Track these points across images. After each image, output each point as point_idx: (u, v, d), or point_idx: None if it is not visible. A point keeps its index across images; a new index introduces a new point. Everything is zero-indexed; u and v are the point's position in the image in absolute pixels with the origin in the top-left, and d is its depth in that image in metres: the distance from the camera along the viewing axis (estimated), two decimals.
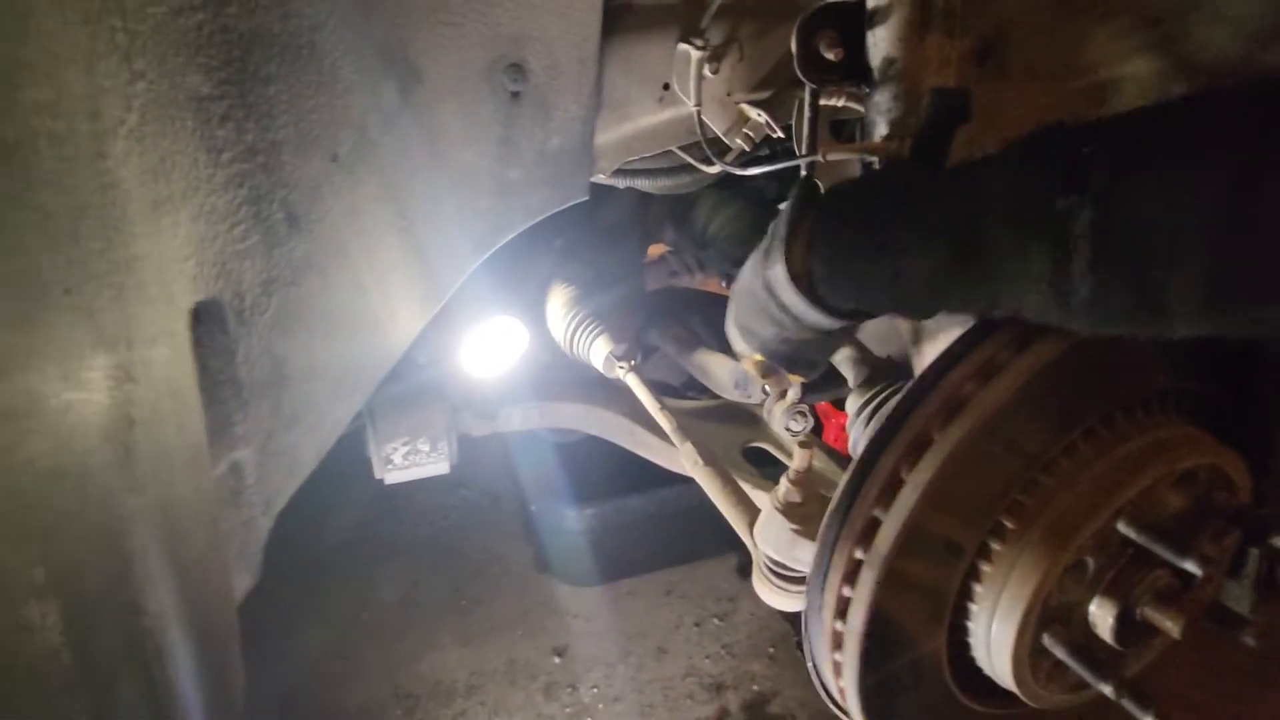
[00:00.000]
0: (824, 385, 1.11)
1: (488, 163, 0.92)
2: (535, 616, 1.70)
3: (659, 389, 1.20)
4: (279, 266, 0.67)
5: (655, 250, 1.55)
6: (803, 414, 1.00)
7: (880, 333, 1.22)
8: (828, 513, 0.62)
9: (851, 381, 0.99)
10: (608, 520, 1.65)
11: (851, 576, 0.61)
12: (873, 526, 0.60)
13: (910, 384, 0.60)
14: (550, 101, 0.92)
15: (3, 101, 0.33)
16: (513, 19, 0.84)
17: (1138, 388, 0.62)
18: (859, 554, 0.60)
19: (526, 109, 0.91)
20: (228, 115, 0.57)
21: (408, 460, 1.08)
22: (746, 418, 1.22)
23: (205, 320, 0.59)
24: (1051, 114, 1.36)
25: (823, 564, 0.63)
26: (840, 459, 1.21)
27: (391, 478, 1.11)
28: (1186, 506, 0.60)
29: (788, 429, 0.99)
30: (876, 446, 0.61)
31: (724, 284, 1.46)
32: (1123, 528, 0.58)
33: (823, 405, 1.49)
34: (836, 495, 0.61)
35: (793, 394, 0.98)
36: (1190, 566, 0.54)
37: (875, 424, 0.79)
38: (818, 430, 1.19)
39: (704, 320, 1.34)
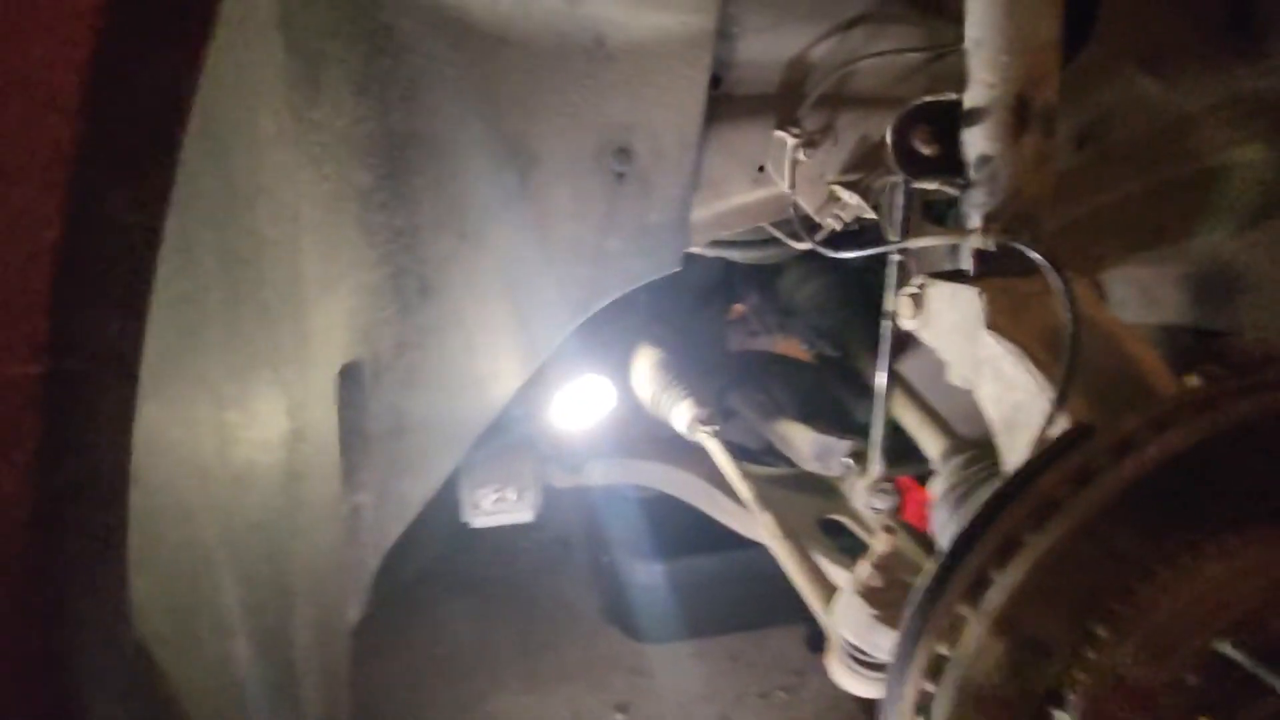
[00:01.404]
0: (905, 459, 1.11)
1: (590, 235, 0.99)
2: (600, 669, 1.72)
3: (738, 452, 1.22)
4: (409, 331, 0.75)
5: (736, 310, 1.59)
6: (886, 491, 1.00)
7: (964, 411, 1.21)
8: (911, 605, 0.63)
9: (935, 461, 0.98)
10: (678, 578, 1.66)
11: (935, 672, 0.61)
12: (958, 624, 0.60)
13: (1001, 482, 0.61)
14: (652, 181, 0.99)
15: (244, 220, 0.41)
16: (623, 109, 0.92)
17: (1251, 502, 0.60)
18: (942, 650, 0.60)
19: (630, 188, 0.98)
20: (384, 204, 0.66)
21: (495, 507, 1.14)
22: (825, 489, 1.22)
23: (348, 380, 0.67)
24: (1157, 201, 1.34)
25: (904, 657, 0.63)
26: (920, 537, 1.19)
27: (478, 522, 1.18)
28: None
29: (871, 507, 0.99)
30: (964, 542, 0.61)
31: (806, 349, 1.48)
32: (1226, 649, 0.56)
33: (903, 479, 1.47)
34: (921, 588, 0.62)
35: (875, 470, 0.99)
36: None
37: (962, 517, 0.79)
38: (896, 505, 1.18)
39: (784, 386, 1.36)
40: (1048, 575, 0.58)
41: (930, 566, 0.63)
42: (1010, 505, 0.60)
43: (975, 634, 0.60)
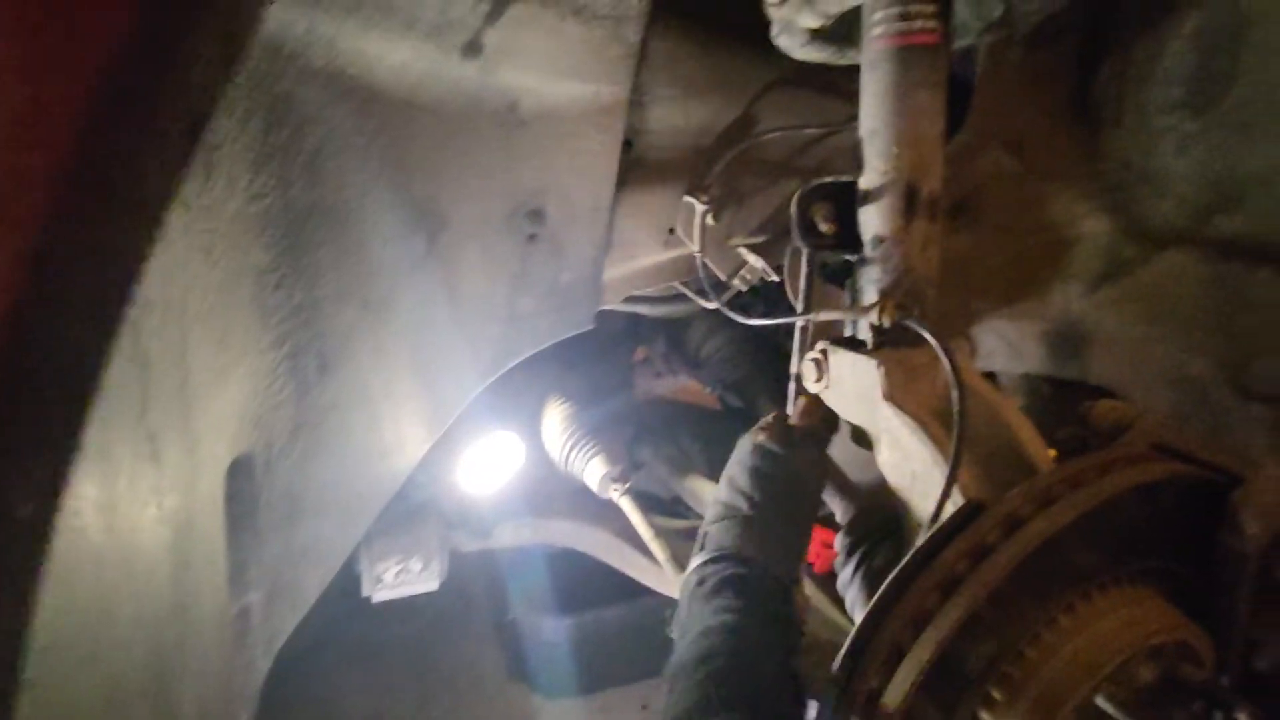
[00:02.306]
0: None
1: (501, 295, 0.97)
2: None
3: (649, 503, 1.22)
4: (306, 413, 0.69)
5: (640, 353, 1.60)
6: None
7: (858, 460, 1.27)
8: (827, 680, 0.64)
9: (839, 515, 1.02)
10: (586, 631, 1.62)
11: None
12: (873, 698, 0.62)
13: (906, 560, 0.64)
14: (564, 242, 0.98)
15: (126, 343, 0.36)
16: (536, 173, 0.91)
17: (1115, 565, 0.67)
18: None
19: (542, 248, 0.97)
20: (280, 283, 0.60)
21: (399, 579, 1.07)
22: None
23: (236, 473, 0.60)
24: (1019, 265, 1.48)
25: None
26: (820, 580, 1.23)
27: (380, 596, 1.10)
28: (1156, 679, 0.64)
29: None
30: (877, 616, 0.64)
31: (716, 397, 1.51)
32: (1101, 702, 0.61)
33: None
34: (838, 662, 0.63)
35: None
36: None
37: (865, 583, 0.82)
38: None
39: (694, 437, 1.38)
40: (953, 646, 0.62)
41: (844, 638, 0.65)
42: (917, 579, 0.64)
43: (891, 706, 0.62)
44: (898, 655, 0.62)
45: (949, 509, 0.68)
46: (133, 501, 0.39)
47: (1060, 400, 1.29)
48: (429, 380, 0.92)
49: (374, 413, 0.83)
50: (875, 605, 0.64)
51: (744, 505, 0.79)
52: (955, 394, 0.72)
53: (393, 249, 0.77)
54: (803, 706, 0.66)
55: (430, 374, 0.92)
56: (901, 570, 0.64)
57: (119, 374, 0.35)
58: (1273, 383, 1.09)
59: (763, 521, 0.78)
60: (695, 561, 0.74)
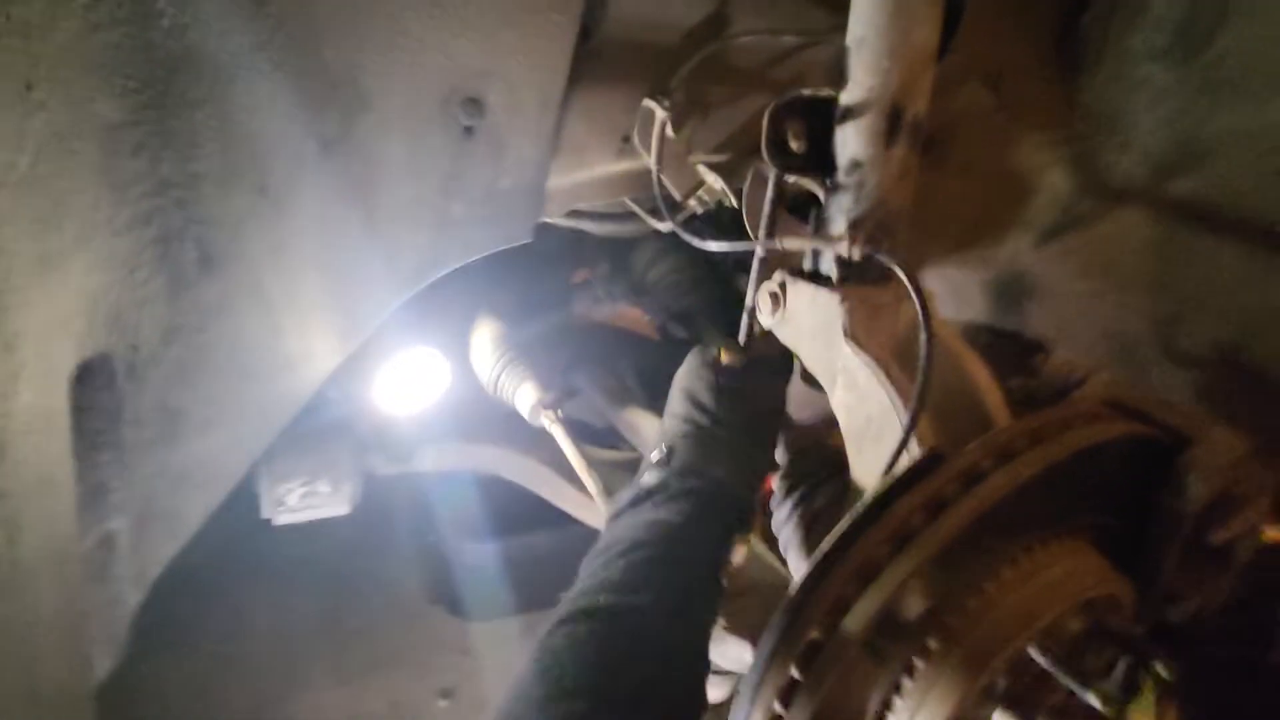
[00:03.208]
0: None
1: (430, 197, 0.85)
2: (422, 653, 1.61)
3: (580, 432, 1.16)
4: (185, 313, 0.58)
5: (580, 275, 1.51)
6: None
7: (799, 396, 1.24)
8: (769, 629, 0.62)
9: (777, 454, 0.99)
10: (511, 556, 1.59)
11: (786, 696, 0.61)
12: (813, 649, 0.59)
13: (857, 510, 0.61)
14: (505, 141, 0.87)
15: None
16: (477, 53, 0.78)
17: (1060, 519, 0.66)
18: (795, 673, 0.60)
19: (479, 146, 0.85)
20: (142, 145, 0.48)
21: (303, 502, 0.98)
22: None
23: (88, 379, 0.49)
24: (979, 209, 1.45)
25: (757, 680, 0.62)
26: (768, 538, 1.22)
27: (282, 519, 1.01)
28: (1084, 630, 0.64)
29: None
30: (823, 567, 0.61)
31: (653, 324, 1.45)
32: (1032, 652, 0.61)
33: None
34: (779, 613, 0.61)
35: None
36: (1078, 688, 0.57)
37: (803, 525, 0.80)
38: None
39: (632, 367, 1.32)
40: (900, 599, 0.60)
41: (788, 589, 0.62)
42: (868, 530, 0.61)
43: (830, 660, 0.60)
44: (841, 608, 0.59)
45: (904, 458, 0.66)
46: None
47: (998, 350, 1.30)
48: (341, 286, 0.81)
49: (274, 320, 0.72)
50: (823, 554, 0.61)
51: (706, 420, 0.76)
52: (923, 337, 0.68)
53: (297, 125, 0.65)
54: (715, 609, 0.67)
55: (342, 279, 0.81)
56: (853, 518, 0.61)
57: None
58: (1201, 346, 1.12)
59: (729, 440, 0.76)
60: (653, 473, 0.72)
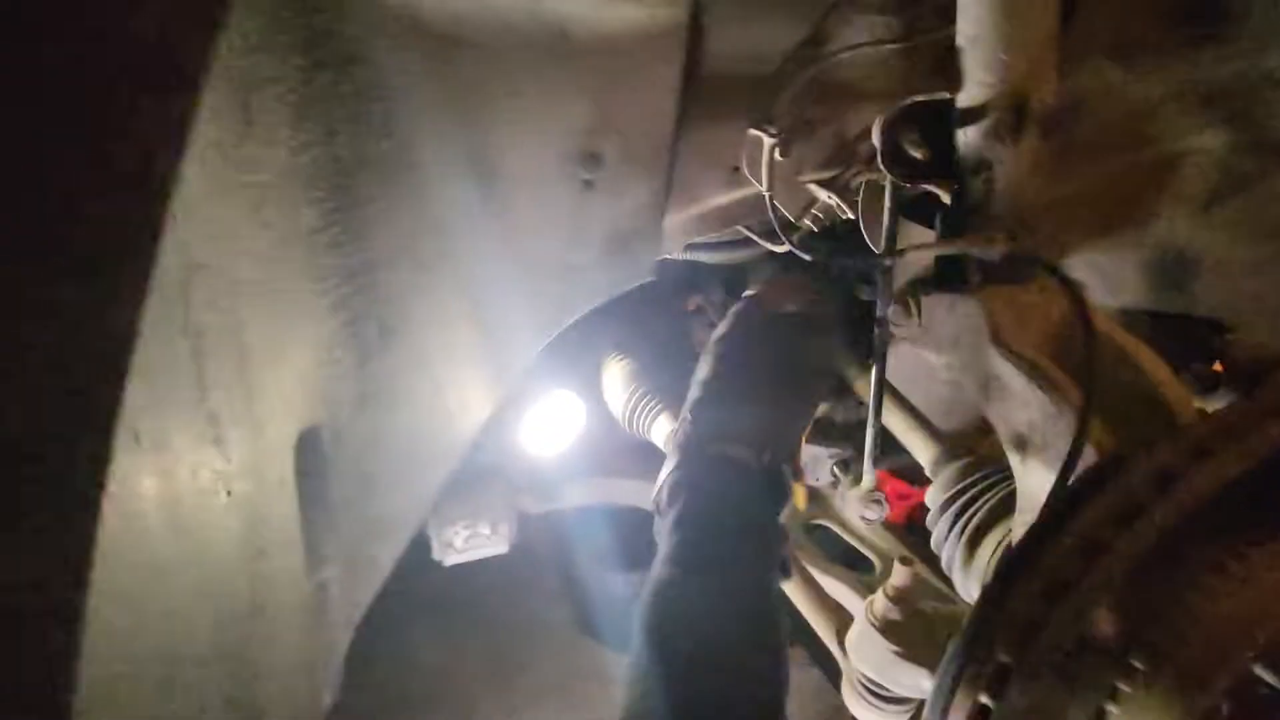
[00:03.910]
0: (883, 454, 1.09)
1: (558, 248, 0.91)
2: (578, 683, 1.66)
3: None
4: (370, 380, 0.65)
5: (692, 302, 1.54)
6: (878, 502, 0.97)
7: (944, 404, 1.19)
8: (952, 652, 0.59)
9: (928, 467, 0.96)
10: None
11: None
12: (1003, 674, 0.56)
13: (1039, 520, 0.57)
14: (623, 189, 0.91)
15: (176, 317, 0.32)
16: (590, 111, 0.83)
17: (1269, 519, 0.59)
18: (985, 700, 0.57)
19: (599, 195, 0.90)
20: (333, 243, 0.56)
21: (468, 544, 1.06)
22: (809, 493, 1.19)
23: (306, 450, 0.57)
24: (1117, 185, 1.35)
25: (943, 704, 0.60)
26: (897, 532, 1.18)
27: (451, 560, 1.09)
28: None
29: (863, 517, 0.96)
30: (1005, 585, 0.58)
31: None
32: (1260, 670, 0.55)
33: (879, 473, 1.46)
34: (963, 635, 0.58)
35: (868, 480, 0.96)
36: None
37: (968, 540, 0.76)
38: (885, 515, 1.15)
39: None
40: (1095, 616, 0.56)
41: (969, 610, 0.59)
42: (1052, 542, 0.57)
43: (1022, 684, 0.57)
44: (1031, 628, 0.56)
45: (1079, 464, 0.62)
46: (197, 493, 0.35)
47: (1168, 337, 1.19)
48: (489, 341, 0.88)
49: (436, 377, 0.79)
50: (1006, 569, 0.58)
51: (743, 381, 0.76)
52: (1082, 331, 0.64)
53: (444, 203, 0.72)
54: (779, 577, 0.66)
55: (489, 334, 0.88)
56: (1036, 529, 0.58)
57: (169, 349, 0.31)
58: None
59: (770, 398, 0.75)
60: (689, 437, 0.73)
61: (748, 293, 0.84)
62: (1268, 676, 0.55)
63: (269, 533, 0.43)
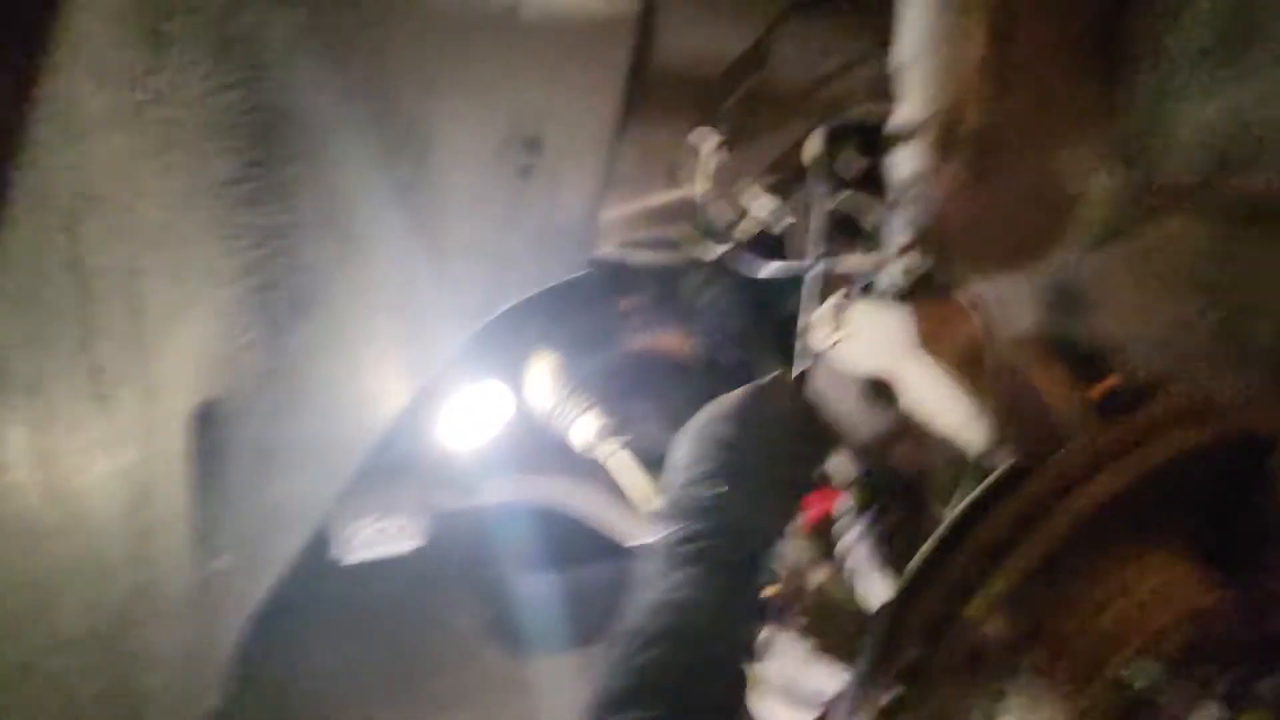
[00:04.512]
0: None
1: (491, 234, 0.88)
2: (485, 691, 1.61)
3: (638, 460, 1.16)
4: (279, 356, 0.60)
5: (623, 304, 1.53)
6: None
7: (859, 415, 1.23)
8: (866, 647, 0.61)
9: (841, 473, 0.98)
10: (568, 588, 1.58)
11: (888, 717, 0.59)
12: (913, 668, 0.59)
13: (946, 525, 0.60)
14: (561, 177, 0.89)
15: (60, 246, 0.27)
16: (534, 93, 0.81)
17: (1154, 528, 0.64)
18: (895, 692, 0.59)
19: (537, 183, 0.88)
20: (250, 199, 0.51)
21: (373, 539, 1.00)
22: None
23: (202, 424, 0.52)
24: (1025, 218, 1.45)
25: (856, 698, 0.61)
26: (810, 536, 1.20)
27: (351, 558, 1.03)
28: (1188, 643, 0.62)
29: None
30: (915, 584, 0.60)
31: (698, 352, 1.45)
32: (1136, 669, 0.59)
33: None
34: (874, 632, 0.60)
35: None
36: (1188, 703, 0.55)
37: (877, 545, 0.78)
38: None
39: (686, 393, 1.32)
40: (997, 615, 0.59)
41: (879, 605, 0.61)
42: (961, 545, 0.60)
43: (930, 678, 0.59)
44: (937, 625, 0.58)
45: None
46: (76, 453, 0.31)
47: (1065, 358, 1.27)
48: (412, 324, 0.84)
49: (353, 359, 0.74)
50: (914, 571, 0.60)
51: (732, 466, 0.71)
52: (991, 347, 0.68)
53: (376, 173, 0.68)
54: (741, 694, 0.63)
55: (414, 317, 0.84)
56: (942, 533, 0.60)
57: (49, 282, 0.26)
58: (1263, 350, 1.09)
59: (753, 489, 0.71)
60: (669, 525, 0.67)
61: (757, 383, 0.80)
62: (1137, 680, 0.59)
63: (156, 510, 0.38)
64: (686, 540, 0.65)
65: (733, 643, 0.63)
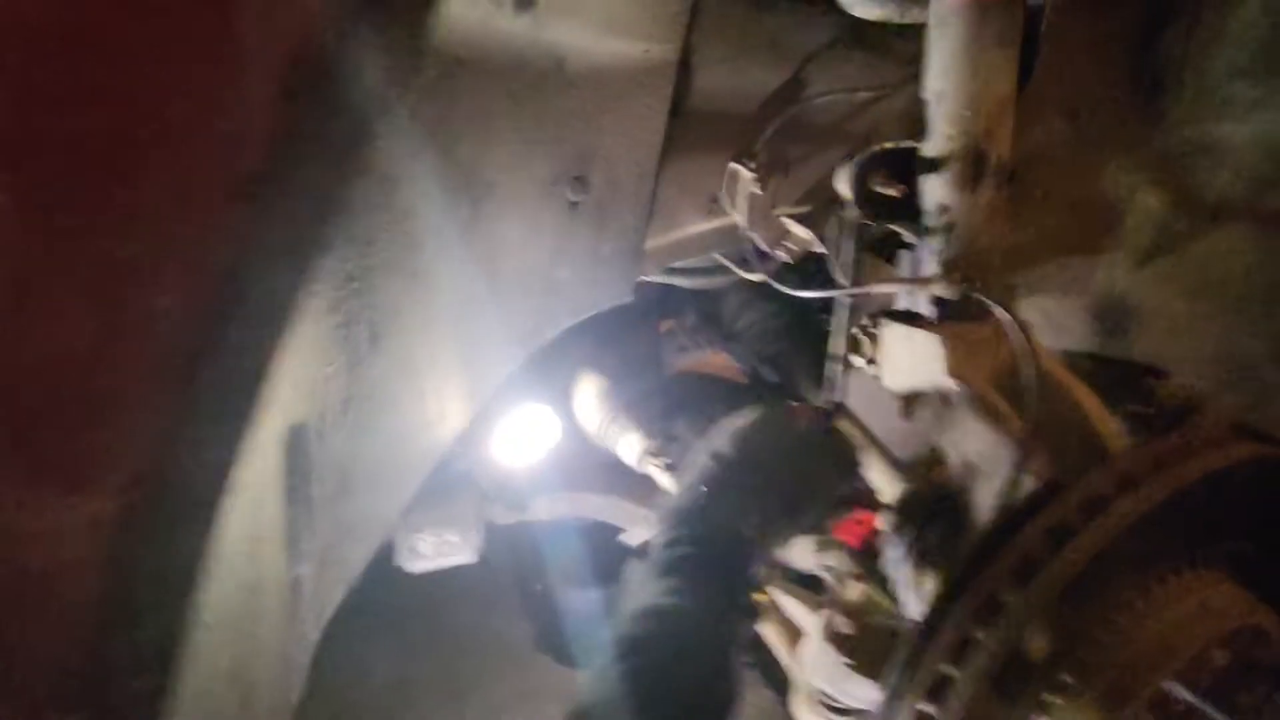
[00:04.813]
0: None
1: (540, 265, 0.94)
2: (535, 702, 1.65)
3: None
4: (357, 383, 0.67)
5: (665, 325, 1.58)
6: (836, 548, 0.98)
7: (899, 432, 1.24)
8: (895, 665, 0.63)
9: (884, 492, 1.00)
10: (615, 603, 1.62)
11: None
12: (942, 686, 0.60)
13: (977, 542, 0.62)
14: (607, 211, 0.95)
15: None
16: (581, 136, 0.87)
17: (1190, 548, 0.64)
18: (925, 709, 0.61)
19: (584, 217, 0.94)
20: (332, 246, 0.58)
21: (435, 551, 1.06)
22: None
23: (293, 446, 0.59)
24: (1065, 237, 1.44)
25: (889, 713, 0.63)
26: (856, 556, 1.21)
27: (415, 567, 1.09)
28: (1230, 664, 0.62)
29: (825, 566, 0.97)
30: (946, 600, 0.62)
31: (743, 371, 1.49)
32: (1175, 688, 0.59)
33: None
34: (903, 650, 0.62)
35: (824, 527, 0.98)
36: None
37: (918, 562, 0.80)
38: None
39: (727, 412, 1.36)
40: (1027, 634, 0.60)
41: (912, 623, 0.63)
42: (990, 564, 0.62)
43: (959, 697, 0.60)
44: (968, 644, 0.60)
45: (1020, 491, 0.66)
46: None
47: (1106, 378, 1.26)
48: (470, 352, 0.90)
49: (419, 385, 0.81)
50: (945, 589, 0.62)
51: (719, 476, 0.73)
52: (1025, 370, 0.70)
53: (439, 216, 0.75)
54: (729, 697, 0.63)
55: (470, 347, 0.90)
56: (973, 551, 0.62)
57: None
58: None
59: (736, 498, 0.73)
60: (661, 532, 0.69)
61: (769, 407, 0.83)
62: (1184, 694, 0.59)
63: (264, 519, 0.45)
64: (668, 546, 0.67)
65: (713, 646, 0.63)
